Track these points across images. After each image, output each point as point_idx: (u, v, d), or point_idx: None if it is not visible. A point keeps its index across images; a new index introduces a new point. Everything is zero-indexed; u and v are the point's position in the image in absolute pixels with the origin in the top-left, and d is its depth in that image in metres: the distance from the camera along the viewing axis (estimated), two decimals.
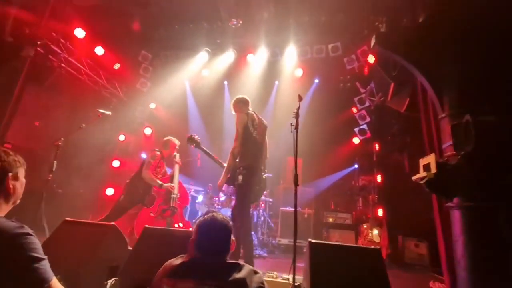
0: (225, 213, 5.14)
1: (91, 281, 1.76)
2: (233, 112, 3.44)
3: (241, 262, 1.31)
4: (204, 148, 3.81)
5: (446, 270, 2.90)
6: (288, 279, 2.41)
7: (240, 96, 3.52)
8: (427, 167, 2.66)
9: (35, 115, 5.98)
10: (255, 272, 1.25)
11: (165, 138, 4.16)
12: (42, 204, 2.76)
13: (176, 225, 3.71)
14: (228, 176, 3.18)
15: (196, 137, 3.82)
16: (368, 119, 6.43)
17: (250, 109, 3.44)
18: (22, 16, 4.09)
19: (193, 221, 4.82)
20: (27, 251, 1.03)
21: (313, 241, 1.83)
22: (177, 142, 4.15)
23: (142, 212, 3.74)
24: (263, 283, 1.23)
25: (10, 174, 1.16)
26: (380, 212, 5.64)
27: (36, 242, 1.08)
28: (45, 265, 1.09)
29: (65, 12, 5.02)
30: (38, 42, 4.18)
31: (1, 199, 1.14)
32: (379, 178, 6.12)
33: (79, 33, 5.19)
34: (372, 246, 5.07)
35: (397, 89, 3.98)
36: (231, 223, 1.36)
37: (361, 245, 5.13)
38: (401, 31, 3.17)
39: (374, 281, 1.59)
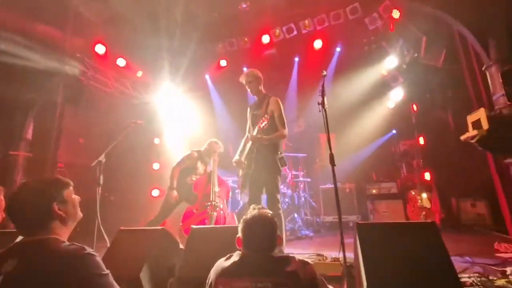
0: None
1: (152, 283, 1.89)
2: (243, 81, 3.21)
3: (290, 254, 1.31)
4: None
5: None
6: (338, 259, 2.39)
7: (256, 70, 3.30)
8: (477, 124, 2.41)
9: (78, 133, 6.46)
10: (306, 264, 1.25)
11: (209, 141, 4.26)
12: (98, 216, 3.00)
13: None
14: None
15: None
16: (401, 80, 5.99)
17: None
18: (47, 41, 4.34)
19: (236, 211, 4.96)
20: (91, 270, 1.11)
21: (360, 222, 1.76)
22: (220, 147, 4.20)
23: (186, 210, 3.93)
24: (314, 274, 1.22)
25: (55, 203, 1.21)
26: (427, 176, 5.33)
27: (98, 261, 1.16)
28: (109, 279, 1.17)
29: (84, 30, 5.23)
30: (67, 67, 4.42)
31: (58, 224, 1.21)
32: (421, 140, 5.76)
33: (100, 49, 5.39)
34: (424, 212, 4.84)
35: (431, 42, 3.61)
36: (275, 218, 1.37)
37: (411, 214, 4.92)
38: None
39: (432, 257, 1.50)
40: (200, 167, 4.16)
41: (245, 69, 7.11)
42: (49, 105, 4.27)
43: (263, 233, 1.29)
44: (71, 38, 4.71)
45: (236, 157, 3.20)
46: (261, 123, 2.90)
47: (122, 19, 5.45)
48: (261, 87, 3.24)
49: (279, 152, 3.04)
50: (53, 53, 4.35)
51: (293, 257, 1.26)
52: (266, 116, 2.92)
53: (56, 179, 1.28)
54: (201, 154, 4.18)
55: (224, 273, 1.22)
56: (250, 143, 3.16)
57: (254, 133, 3.06)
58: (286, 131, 3.04)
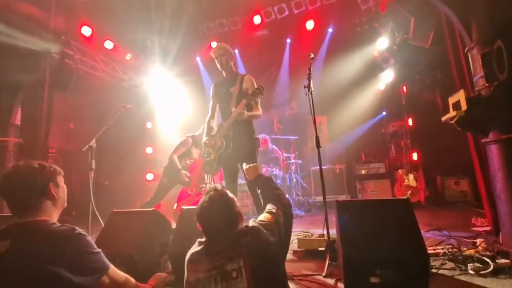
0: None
1: (146, 260, 2.00)
2: (213, 55, 2.97)
3: (249, 223, 1.31)
4: None
5: (487, 205, 2.82)
6: (323, 235, 2.52)
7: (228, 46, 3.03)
8: (457, 105, 2.49)
9: (68, 118, 6.41)
10: (255, 229, 1.27)
11: (204, 125, 4.29)
12: (91, 199, 3.07)
13: None
14: None
15: None
16: (392, 61, 6.01)
17: None
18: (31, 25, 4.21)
19: None
20: (82, 248, 1.19)
21: (340, 200, 1.87)
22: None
23: (181, 191, 4.05)
24: (260, 231, 1.27)
25: (51, 183, 1.29)
26: (415, 156, 5.50)
27: (88, 239, 1.23)
28: (101, 257, 1.26)
29: (68, 11, 5.06)
30: (52, 51, 4.32)
31: (50, 206, 1.28)
32: (410, 121, 5.88)
33: (86, 31, 5.25)
34: (409, 191, 5.03)
35: (419, 24, 3.62)
36: (230, 195, 1.31)
37: (398, 193, 5.11)
38: None
39: (403, 229, 1.62)
40: (195, 152, 4.22)
41: (237, 50, 7.05)
42: (36, 90, 4.20)
43: (217, 218, 1.24)
44: (55, 19, 4.56)
45: (206, 138, 3.00)
46: (242, 104, 2.72)
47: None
48: (232, 64, 3.05)
49: (255, 132, 2.97)
50: (38, 35, 4.24)
51: (250, 228, 1.28)
52: (244, 100, 2.75)
53: (51, 165, 1.35)
54: (196, 138, 4.25)
55: (191, 260, 1.26)
56: (218, 122, 3.04)
57: (228, 112, 2.87)
58: (260, 112, 2.92)
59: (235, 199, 1.32)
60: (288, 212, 1.42)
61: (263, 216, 1.37)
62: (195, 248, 1.30)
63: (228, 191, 1.33)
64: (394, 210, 1.72)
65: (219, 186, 1.32)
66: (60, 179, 1.35)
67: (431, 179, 5.50)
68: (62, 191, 1.34)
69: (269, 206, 1.43)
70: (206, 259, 1.20)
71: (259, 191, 1.64)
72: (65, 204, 1.38)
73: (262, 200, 1.58)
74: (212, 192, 1.29)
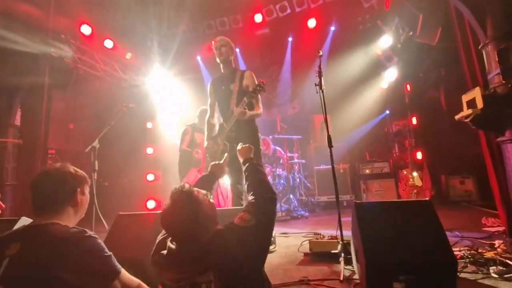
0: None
1: None
2: (213, 46, 2.86)
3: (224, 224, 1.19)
4: None
5: (501, 205, 2.76)
6: (335, 237, 2.45)
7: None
8: (471, 103, 2.43)
9: (67, 118, 6.31)
10: (226, 233, 1.15)
11: (200, 108, 4.26)
12: (95, 201, 2.99)
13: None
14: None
15: None
16: (395, 59, 5.96)
17: None
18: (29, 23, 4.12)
19: None
20: (93, 251, 1.13)
21: (358, 201, 1.80)
22: None
23: None
24: (233, 228, 1.18)
25: (78, 189, 1.27)
26: (419, 155, 5.44)
27: (100, 242, 1.17)
28: (112, 260, 1.19)
29: (67, 10, 4.96)
30: (52, 49, 4.22)
31: (71, 211, 1.25)
32: (414, 120, 5.82)
33: (86, 30, 5.15)
34: (415, 191, 4.98)
35: (426, 20, 3.56)
36: (200, 195, 1.16)
37: (403, 193, 5.06)
38: None
39: (428, 233, 1.55)
40: (197, 137, 4.22)
41: (238, 49, 6.96)
42: (36, 90, 4.10)
43: (182, 225, 1.10)
44: (54, 18, 4.46)
45: (207, 142, 2.87)
46: (243, 104, 2.57)
47: None
48: (232, 58, 2.94)
49: (258, 130, 2.86)
50: (37, 34, 4.14)
51: (220, 234, 1.15)
52: (245, 98, 2.60)
53: (82, 172, 1.34)
54: (196, 125, 4.28)
55: (156, 263, 1.18)
56: (219, 123, 2.91)
57: (228, 111, 2.75)
58: (262, 110, 2.79)
59: (206, 198, 1.17)
60: (269, 208, 1.27)
61: (239, 218, 1.22)
62: (161, 248, 1.20)
63: (196, 190, 1.17)
64: (416, 212, 1.65)
65: (186, 186, 1.17)
66: (87, 188, 1.33)
67: (436, 178, 5.45)
68: (85, 200, 1.32)
69: (250, 199, 1.32)
70: (173, 269, 1.10)
71: (245, 175, 1.50)
72: (83, 215, 1.34)
73: (246, 187, 1.45)
74: (177, 195, 1.14)
